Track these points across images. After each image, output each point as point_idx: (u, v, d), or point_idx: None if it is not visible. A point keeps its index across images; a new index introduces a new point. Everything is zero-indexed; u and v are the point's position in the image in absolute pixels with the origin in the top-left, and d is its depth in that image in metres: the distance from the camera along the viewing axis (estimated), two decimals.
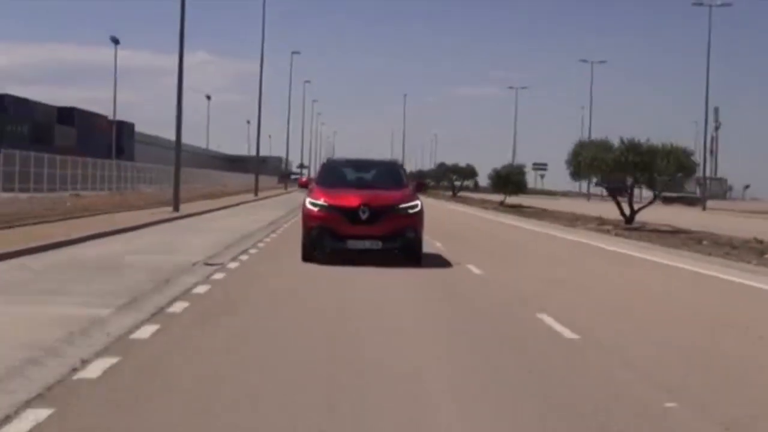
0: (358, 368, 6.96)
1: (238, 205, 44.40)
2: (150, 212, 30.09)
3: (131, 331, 8.23)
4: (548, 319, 9.58)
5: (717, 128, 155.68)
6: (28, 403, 5.56)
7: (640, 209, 32.53)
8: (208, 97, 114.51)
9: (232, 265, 14.64)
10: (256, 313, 9.87)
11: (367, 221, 15.12)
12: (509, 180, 59.77)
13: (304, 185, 18.22)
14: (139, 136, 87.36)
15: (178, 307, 9.83)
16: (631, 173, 31.45)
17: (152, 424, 5.33)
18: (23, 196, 38.85)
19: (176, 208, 31.42)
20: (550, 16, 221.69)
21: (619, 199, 33.90)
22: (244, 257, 16.12)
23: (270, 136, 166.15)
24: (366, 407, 5.79)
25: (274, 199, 57.92)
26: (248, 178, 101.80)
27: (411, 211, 15.63)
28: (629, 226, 30.64)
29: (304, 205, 15.76)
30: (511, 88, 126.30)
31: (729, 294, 13.68)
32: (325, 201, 15.44)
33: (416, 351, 7.82)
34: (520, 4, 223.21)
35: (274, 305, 10.51)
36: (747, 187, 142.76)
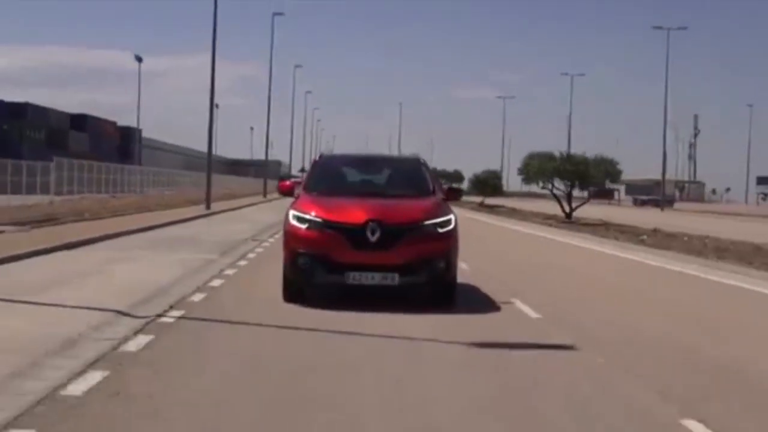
0: None
1: (253, 204, 52.53)
2: (187, 210, 37.90)
3: (234, 262, 16.05)
4: (462, 264, 17.42)
5: (696, 135, 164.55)
6: (206, 282, 13.27)
7: (577, 207, 40.66)
8: (217, 106, 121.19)
9: (271, 240, 22.44)
10: None
11: (379, 245, 10.85)
12: (487, 183, 68.14)
13: (288, 191, 13.19)
14: (143, 140, 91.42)
15: (251, 255, 17.74)
16: (569, 179, 39.72)
17: (257, 282, 13.14)
18: (74, 197, 46.58)
19: (208, 207, 39.18)
20: (550, 18, 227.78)
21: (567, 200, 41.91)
22: (277, 236, 23.85)
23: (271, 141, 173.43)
24: None
25: (282, 201, 65.45)
26: (249, 182, 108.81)
27: (442, 229, 11.31)
28: (567, 220, 38.69)
29: (286, 220, 11.50)
30: (499, 97, 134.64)
31: (578, 253, 22.30)
32: (316, 215, 11.16)
33: None
34: (521, 5, 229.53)
35: None
36: (728, 190, 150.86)
